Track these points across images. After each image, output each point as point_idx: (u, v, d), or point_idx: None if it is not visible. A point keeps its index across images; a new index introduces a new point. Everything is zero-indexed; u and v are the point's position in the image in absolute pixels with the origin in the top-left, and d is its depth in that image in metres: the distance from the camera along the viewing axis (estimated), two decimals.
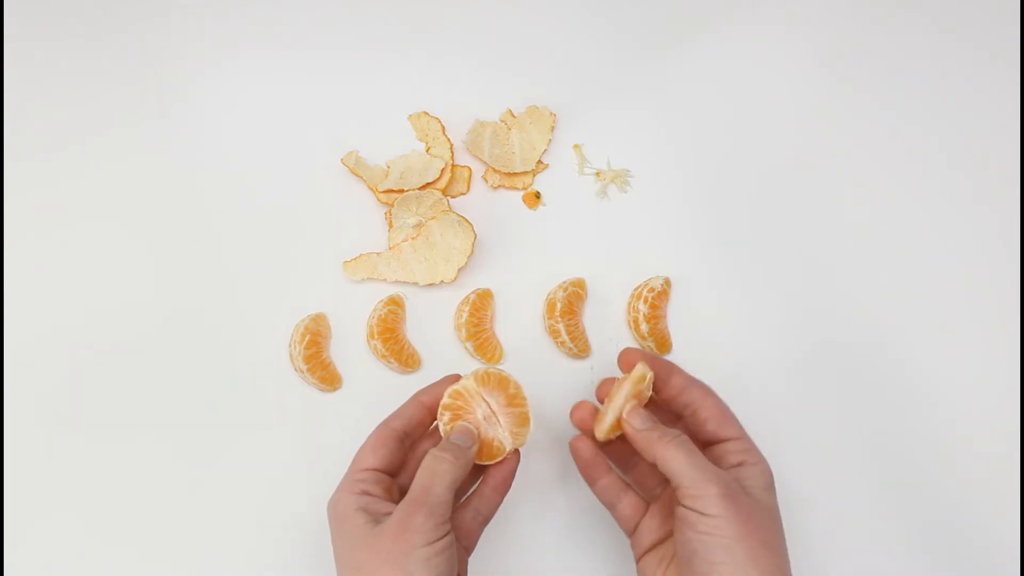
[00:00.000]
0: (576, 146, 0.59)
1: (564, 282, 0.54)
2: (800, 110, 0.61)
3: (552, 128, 0.59)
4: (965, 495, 0.52)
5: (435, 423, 0.45)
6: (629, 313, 0.54)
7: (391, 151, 0.58)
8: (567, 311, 0.53)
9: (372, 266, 0.54)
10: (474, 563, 0.44)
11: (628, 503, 0.45)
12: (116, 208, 0.56)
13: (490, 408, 0.44)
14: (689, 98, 0.61)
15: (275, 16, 0.62)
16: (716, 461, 0.43)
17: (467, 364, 0.53)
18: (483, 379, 0.45)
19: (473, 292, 0.54)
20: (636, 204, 0.58)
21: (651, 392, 0.44)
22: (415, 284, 0.54)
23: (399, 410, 0.45)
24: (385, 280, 0.55)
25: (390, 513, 0.40)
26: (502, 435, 0.44)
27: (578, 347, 0.53)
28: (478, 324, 0.53)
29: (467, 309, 0.53)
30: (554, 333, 0.53)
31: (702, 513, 0.39)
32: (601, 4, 0.64)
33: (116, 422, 0.51)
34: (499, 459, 0.44)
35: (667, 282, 0.54)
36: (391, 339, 0.52)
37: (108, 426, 0.51)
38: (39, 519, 0.49)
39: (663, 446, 0.41)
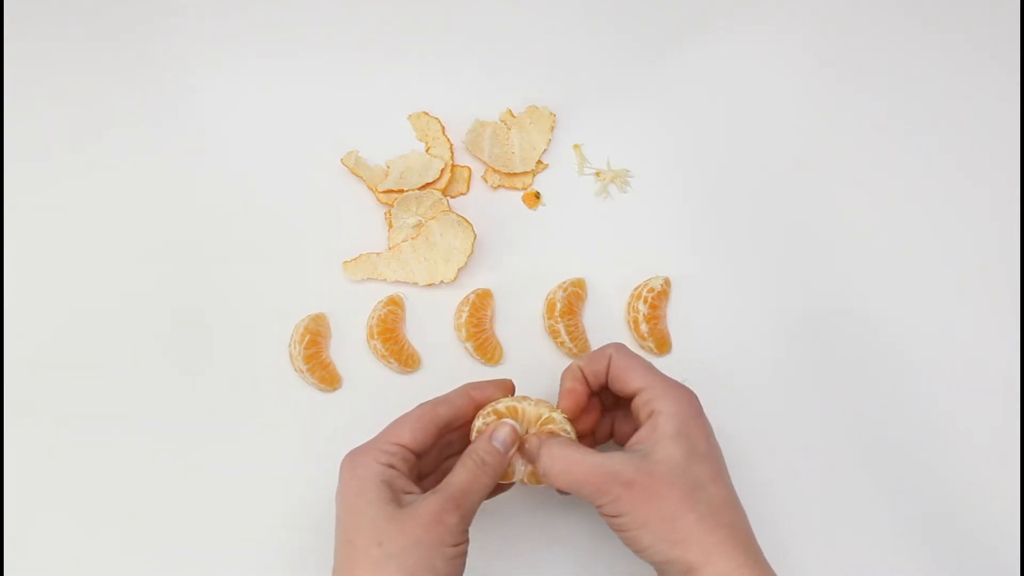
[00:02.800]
0: (576, 146, 0.59)
1: (564, 282, 0.54)
2: (800, 110, 0.61)
3: (552, 128, 0.59)
4: (970, 494, 0.52)
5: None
6: (629, 313, 0.54)
7: (391, 151, 0.58)
8: (567, 311, 0.53)
9: (372, 266, 0.54)
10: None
11: None
12: (116, 208, 0.56)
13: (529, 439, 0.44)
14: (689, 98, 0.61)
15: (275, 17, 0.62)
16: (635, 419, 0.42)
17: (467, 364, 0.53)
18: (545, 422, 0.44)
19: (473, 292, 0.54)
20: (636, 204, 0.58)
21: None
22: (415, 284, 0.54)
23: (448, 397, 0.44)
24: (385, 280, 0.55)
25: (410, 493, 0.40)
26: (519, 466, 0.44)
27: (578, 347, 0.53)
28: (478, 324, 0.53)
29: (467, 309, 0.53)
30: (554, 333, 0.53)
31: (610, 516, 0.40)
32: (601, 4, 0.64)
33: (116, 422, 0.51)
34: (502, 483, 0.44)
35: (667, 282, 0.54)
36: (391, 339, 0.52)
37: (108, 426, 0.51)
38: (35, 518, 0.49)
39: (541, 464, 0.42)
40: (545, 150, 0.59)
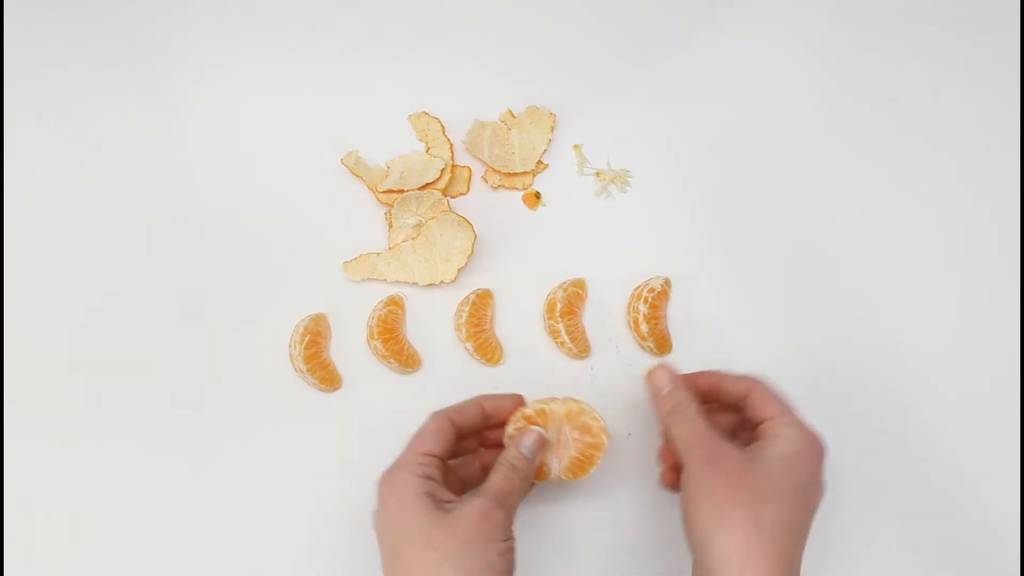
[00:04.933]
0: (576, 146, 0.59)
1: (564, 282, 0.54)
2: (800, 111, 0.61)
3: (552, 128, 0.59)
4: (968, 495, 0.51)
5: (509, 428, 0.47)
6: (629, 313, 0.54)
7: (391, 151, 0.58)
8: (567, 311, 0.53)
9: (372, 266, 0.54)
10: None
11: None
12: (116, 208, 0.56)
13: (562, 437, 0.46)
14: (689, 98, 0.61)
15: (275, 17, 0.62)
16: (757, 438, 0.44)
17: (467, 364, 0.53)
18: (575, 414, 0.47)
19: (473, 292, 0.54)
20: (636, 204, 0.58)
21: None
22: (415, 284, 0.54)
23: (459, 407, 0.46)
24: (385, 280, 0.55)
25: (450, 501, 0.42)
26: (554, 464, 0.46)
27: (578, 347, 0.53)
28: (478, 324, 0.53)
29: (467, 309, 0.53)
30: (554, 333, 0.53)
31: (686, 476, 0.42)
32: (601, 5, 0.64)
33: (115, 421, 0.51)
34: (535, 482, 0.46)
35: (667, 282, 0.54)
36: (391, 339, 0.52)
37: (107, 425, 0.51)
38: (37, 521, 0.49)
39: (671, 417, 0.44)
40: (545, 150, 0.59)
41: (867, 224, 0.58)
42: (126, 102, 0.59)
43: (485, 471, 0.46)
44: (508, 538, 0.41)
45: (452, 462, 0.46)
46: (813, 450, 0.43)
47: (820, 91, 0.61)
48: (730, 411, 0.47)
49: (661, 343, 0.53)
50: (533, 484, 0.46)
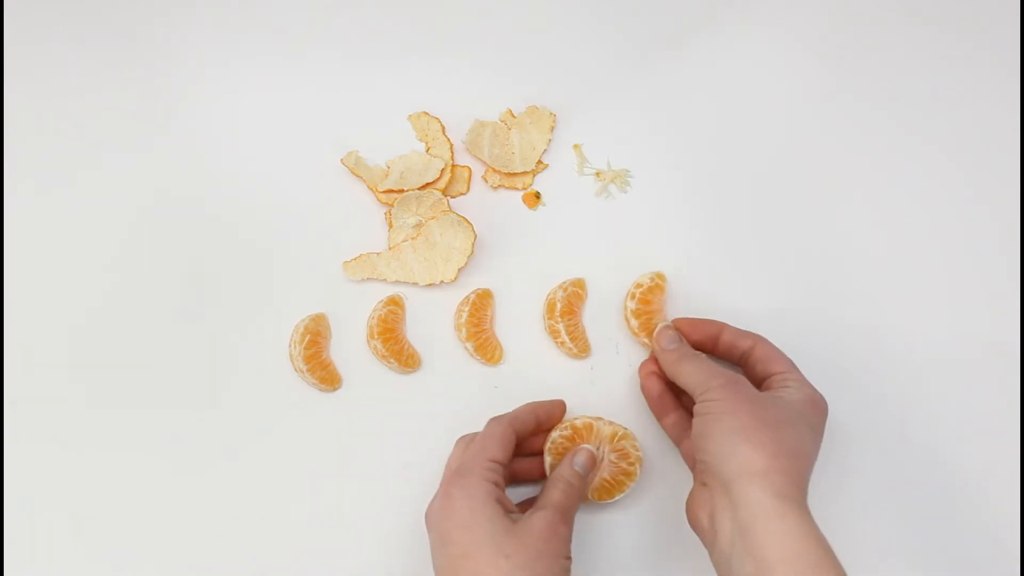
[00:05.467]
0: (576, 146, 0.59)
1: (564, 282, 0.54)
2: (800, 110, 0.61)
3: (552, 128, 0.59)
4: (966, 493, 0.51)
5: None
6: (624, 312, 0.54)
7: (391, 151, 0.58)
8: (567, 311, 0.53)
9: (372, 266, 0.54)
10: None
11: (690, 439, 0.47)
12: (116, 209, 0.56)
13: (600, 456, 0.48)
14: (689, 98, 0.61)
15: (275, 17, 0.62)
16: (764, 389, 0.46)
17: (467, 364, 0.53)
18: (619, 438, 0.48)
19: (473, 292, 0.54)
20: (636, 204, 0.58)
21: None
22: (415, 284, 0.54)
23: (519, 415, 0.47)
24: (385, 280, 0.55)
25: (513, 512, 0.43)
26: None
27: (578, 347, 0.53)
28: (478, 324, 0.53)
29: (467, 309, 0.53)
30: (554, 333, 0.53)
31: (704, 401, 0.43)
32: (601, 5, 0.64)
33: (115, 421, 0.51)
34: None
35: (657, 276, 0.54)
36: (391, 339, 0.52)
37: (107, 425, 0.51)
38: (37, 521, 0.49)
39: (679, 363, 0.47)
40: (545, 150, 0.59)
41: (868, 224, 0.58)
42: (126, 102, 0.59)
43: (515, 476, 0.48)
44: (569, 556, 0.42)
45: None
46: (820, 405, 0.45)
47: (820, 91, 0.61)
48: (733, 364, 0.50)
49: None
50: None
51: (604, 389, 0.53)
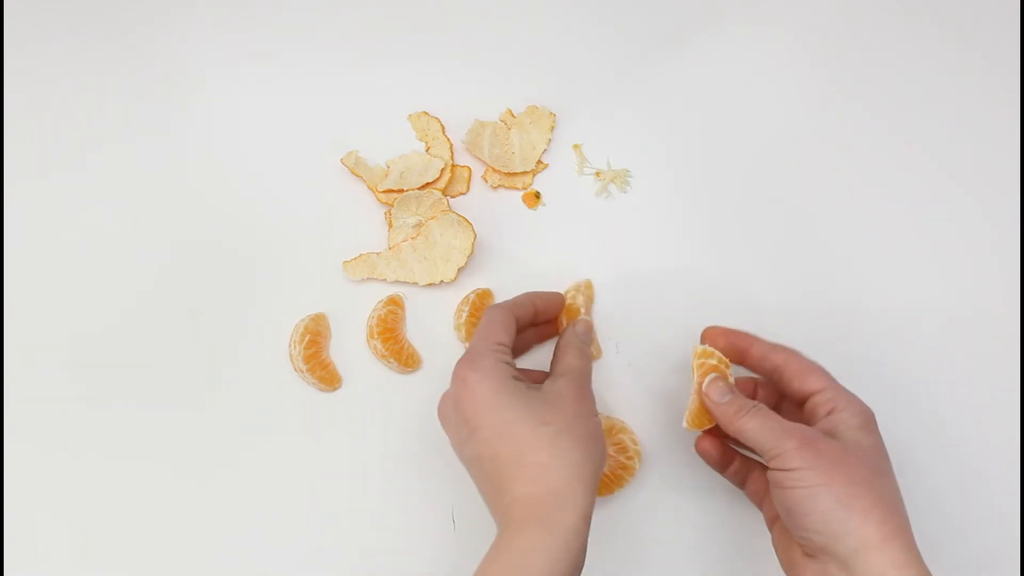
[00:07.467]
0: (576, 146, 0.59)
1: (578, 284, 0.53)
2: (800, 110, 0.61)
3: (552, 128, 0.59)
4: (968, 492, 0.51)
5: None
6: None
7: (391, 151, 0.58)
8: (568, 311, 0.53)
9: (372, 266, 0.54)
10: None
11: (755, 478, 0.47)
12: (116, 209, 0.56)
13: None
14: (689, 97, 0.61)
15: (275, 17, 0.62)
16: (809, 415, 0.44)
17: None
18: (616, 430, 0.49)
19: (473, 292, 0.54)
20: (636, 204, 0.58)
21: (728, 365, 0.46)
22: (415, 284, 0.54)
23: (518, 302, 0.48)
24: (385, 280, 0.55)
25: (528, 384, 0.43)
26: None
27: None
28: (478, 324, 0.53)
29: (467, 309, 0.53)
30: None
31: (784, 470, 0.40)
32: (601, 5, 0.64)
33: (115, 422, 0.51)
34: None
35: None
36: (391, 339, 0.52)
37: (107, 425, 0.51)
38: (37, 522, 0.49)
39: (739, 419, 0.43)
40: (545, 150, 0.59)
41: (869, 224, 0.58)
42: (126, 102, 0.59)
43: None
44: (598, 414, 0.43)
45: None
46: (872, 421, 0.43)
47: (820, 91, 0.61)
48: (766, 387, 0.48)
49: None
50: None
51: (604, 389, 0.52)
